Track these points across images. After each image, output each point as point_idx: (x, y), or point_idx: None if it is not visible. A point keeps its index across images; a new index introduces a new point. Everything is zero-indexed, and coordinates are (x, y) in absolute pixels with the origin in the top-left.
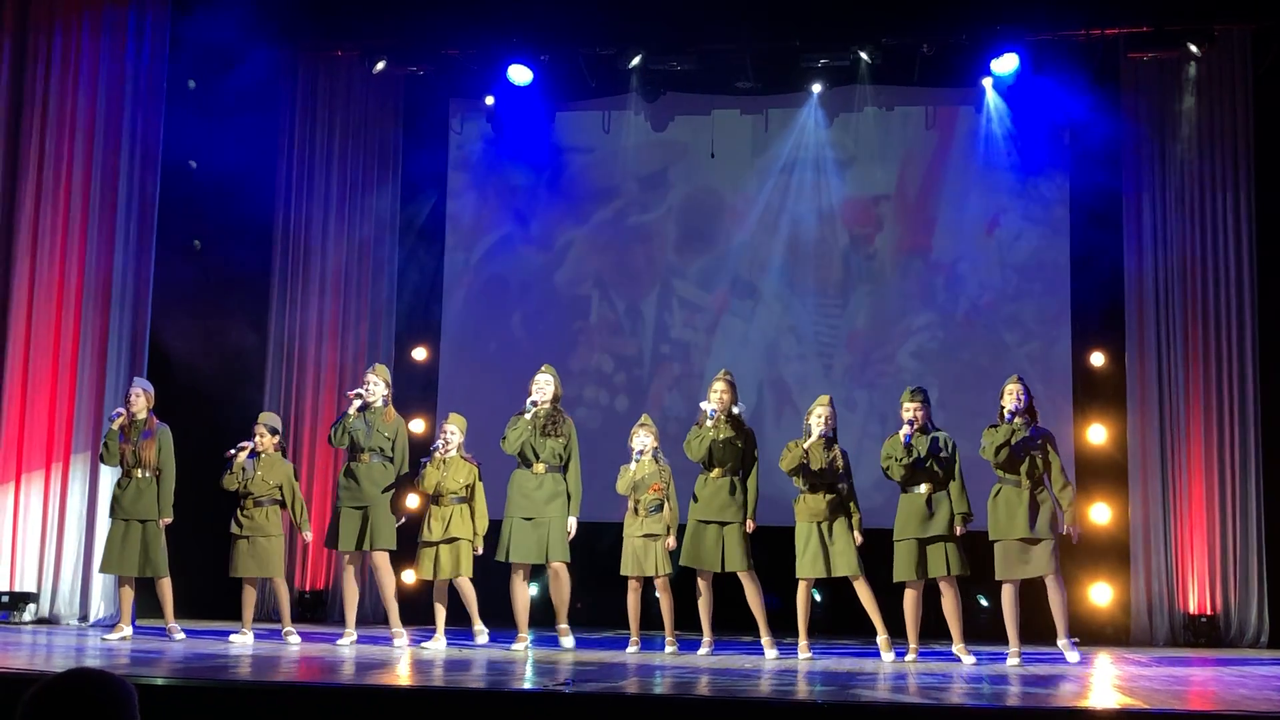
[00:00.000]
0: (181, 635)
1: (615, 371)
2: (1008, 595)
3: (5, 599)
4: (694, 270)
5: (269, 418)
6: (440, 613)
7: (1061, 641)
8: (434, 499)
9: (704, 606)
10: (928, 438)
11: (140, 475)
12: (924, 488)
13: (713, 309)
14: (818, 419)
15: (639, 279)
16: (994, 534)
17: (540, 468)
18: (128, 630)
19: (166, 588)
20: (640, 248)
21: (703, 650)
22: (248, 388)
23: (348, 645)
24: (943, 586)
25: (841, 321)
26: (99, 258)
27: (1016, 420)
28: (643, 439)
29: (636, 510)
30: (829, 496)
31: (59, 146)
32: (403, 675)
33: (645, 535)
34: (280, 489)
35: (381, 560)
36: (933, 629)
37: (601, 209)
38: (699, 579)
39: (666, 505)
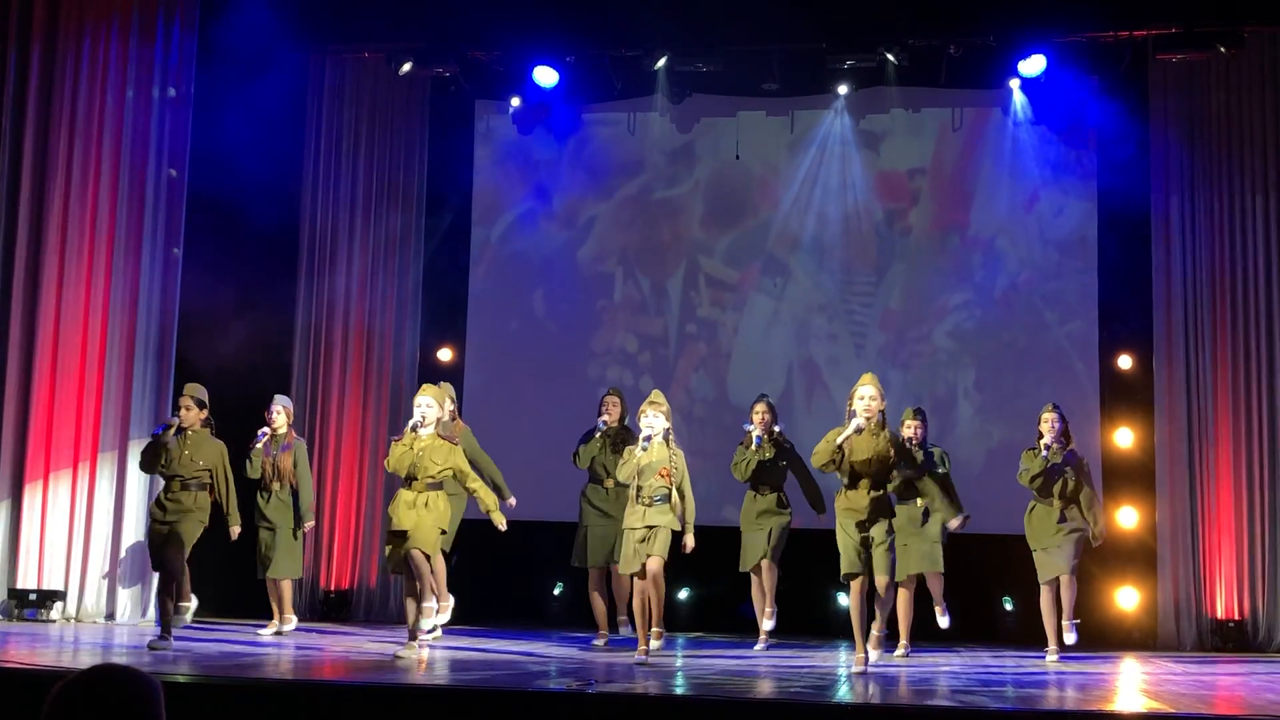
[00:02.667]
0: (288, 628)
1: (640, 351)
2: (1047, 596)
3: (33, 597)
4: (721, 247)
5: (194, 389)
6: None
7: (1065, 623)
8: (405, 482)
9: (759, 604)
10: (922, 453)
11: (278, 487)
12: (920, 501)
13: (741, 287)
14: (861, 403)
15: (664, 256)
16: (1033, 544)
17: (610, 483)
18: (282, 625)
19: (288, 589)
20: (666, 224)
21: (758, 646)
22: (274, 387)
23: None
24: (933, 579)
25: (875, 300)
26: (127, 258)
27: (1053, 447)
28: (652, 419)
29: (639, 498)
30: (874, 493)
31: (87, 148)
32: (429, 675)
33: (648, 527)
34: (210, 472)
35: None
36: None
37: (627, 186)
38: (753, 579)
39: (674, 494)
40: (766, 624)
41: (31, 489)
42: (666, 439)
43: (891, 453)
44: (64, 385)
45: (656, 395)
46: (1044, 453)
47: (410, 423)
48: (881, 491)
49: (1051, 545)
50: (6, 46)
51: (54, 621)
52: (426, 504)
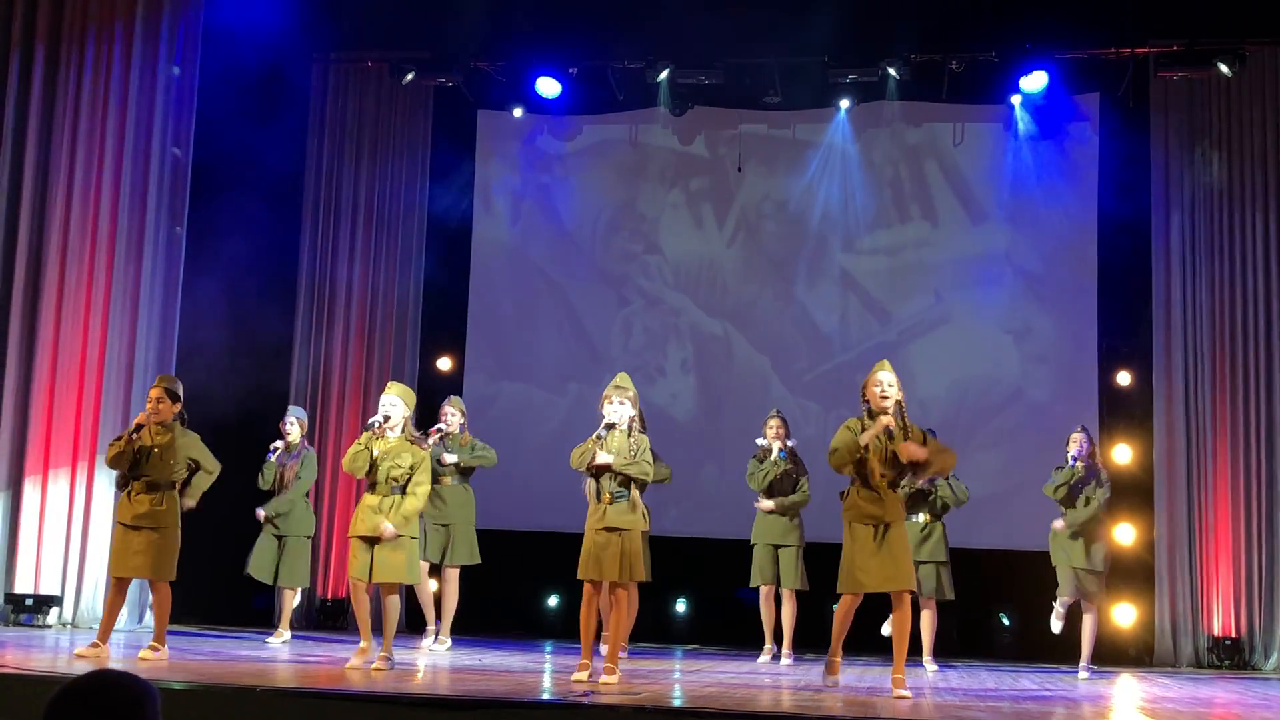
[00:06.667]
0: (278, 641)
1: (639, 361)
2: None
3: (29, 602)
4: (722, 260)
5: (168, 379)
6: (365, 617)
7: (1082, 664)
8: (370, 486)
9: (769, 618)
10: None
11: (290, 495)
12: (922, 518)
13: (742, 300)
14: (878, 389)
15: (664, 268)
16: (1055, 560)
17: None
18: (287, 635)
19: (290, 599)
20: (661, 254)
21: (785, 661)
22: (273, 396)
23: (444, 649)
24: (926, 604)
25: (874, 313)
26: (128, 262)
27: (1078, 465)
28: (617, 406)
29: (598, 495)
30: (887, 491)
31: (90, 152)
32: (420, 684)
33: (608, 529)
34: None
35: (453, 575)
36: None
37: (628, 197)
38: (764, 592)
39: (635, 490)
40: (784, 660)
41: (29, 494)
42: (630, 427)
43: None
44: (63, 389)
45: (623, 379)
46: (1072, 462)
47: (372, 420)
48: (895, 491)
49: (1071, 568)
50: (9, 51)
51: (50, 627)
52: (390, 514)
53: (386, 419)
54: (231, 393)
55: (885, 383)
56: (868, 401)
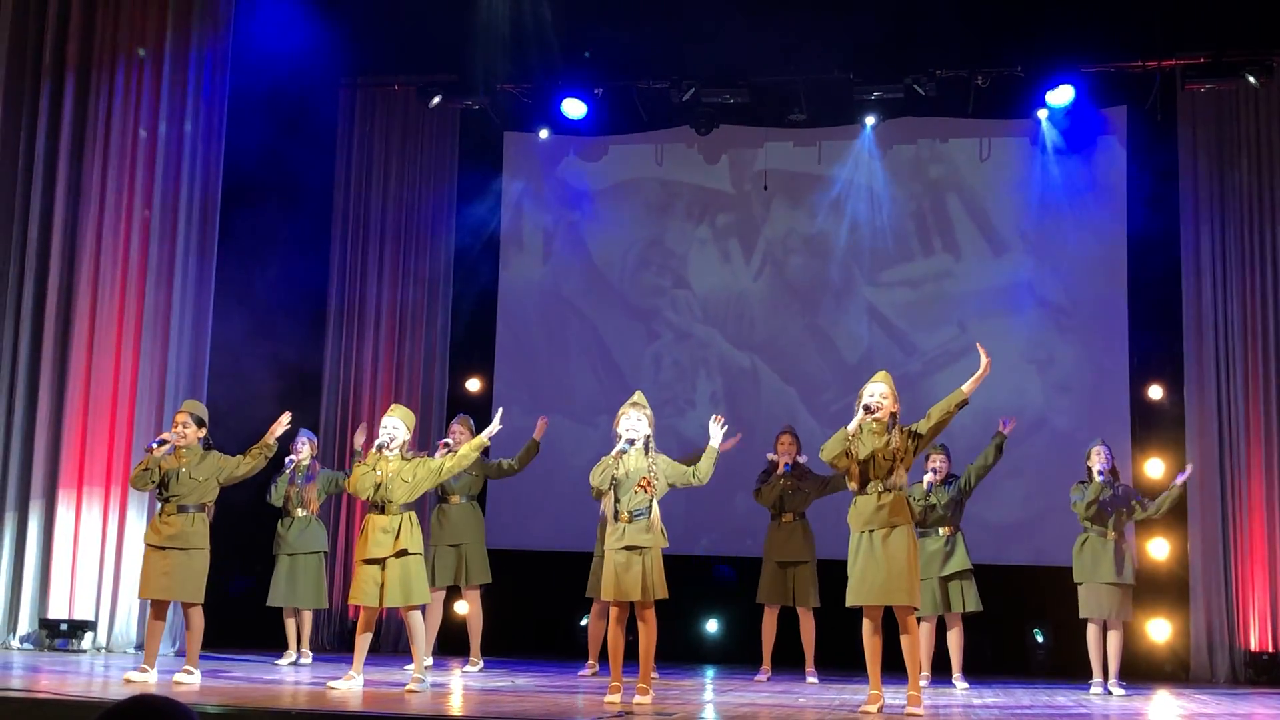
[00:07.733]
0: (305, 662)
1: (667, 384)
2: (1093, 632)
3: (63, 627)
4: (750, 279)
5: (194, 405)
6: (364, 645)
7: (1112, 681)
8: (378, 507)
9: (769, 638)
10: (947, 489)
11: (300, 514)
12: (943, 531)
13: (770, 319)
14: (870, 396)
15: (691, 288)
16: (1079, 577)
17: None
18: (295, 655)
19: (308, 619)
20: (690, 289)
21: (810, 680)
22: (304, 418)
23: (476, 670)
24: (953, 621)
25: (902, 330)
26: (159, 288)
27: (1106, 478)
28: (635, 422)
29: (617, 514)
30: (885, 496)
31: (120, 178)
32: (455, 707)
33: (628, 548)
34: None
35: (475, 596)
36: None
37: (654, 217)
38: (767, 613)
39: (655, 509)
40: (810, 679)
41: (63, 520)
42: (645, 446)
43: (898, 451)
44: (96, 413)
45: (639, 397)
46: (1100, 477)
47: (375, 443)
48: (891, 495)
49: (1101, 584)
50: (40, 80)
51: (84, 651)
52: (399, 532)
53: (391, 440)
54: (262, 416)
55: (877, 394)
56: (863, 407)
